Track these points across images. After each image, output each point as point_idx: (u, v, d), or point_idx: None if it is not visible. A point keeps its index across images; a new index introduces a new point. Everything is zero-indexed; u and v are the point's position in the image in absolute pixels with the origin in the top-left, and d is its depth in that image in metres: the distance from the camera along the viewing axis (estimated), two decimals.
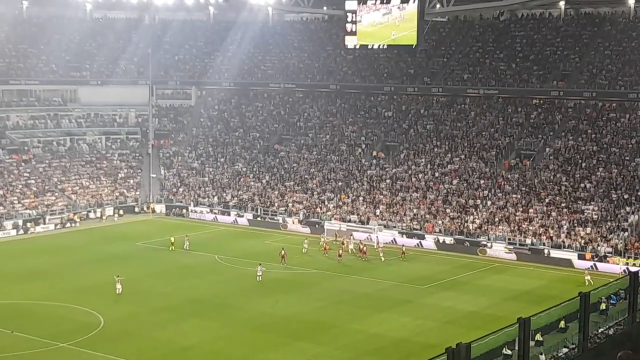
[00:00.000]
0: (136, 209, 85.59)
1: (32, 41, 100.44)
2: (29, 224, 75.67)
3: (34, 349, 41.39)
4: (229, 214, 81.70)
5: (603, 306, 43.89)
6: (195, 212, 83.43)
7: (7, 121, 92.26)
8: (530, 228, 68.74)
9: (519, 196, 73.05)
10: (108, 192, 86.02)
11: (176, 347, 41.99)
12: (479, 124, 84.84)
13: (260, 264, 58.69)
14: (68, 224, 78.03)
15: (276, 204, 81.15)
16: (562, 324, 40.97)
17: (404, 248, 66.70)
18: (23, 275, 57.71)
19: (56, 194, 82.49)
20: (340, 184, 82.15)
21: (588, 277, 56.35)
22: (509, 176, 76.30)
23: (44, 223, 76.91)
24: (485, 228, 70.25)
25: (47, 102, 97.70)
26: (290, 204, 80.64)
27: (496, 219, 70.92)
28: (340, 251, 64.73)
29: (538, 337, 42.62)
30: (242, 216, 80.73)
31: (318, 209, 78.62)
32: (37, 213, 77.95)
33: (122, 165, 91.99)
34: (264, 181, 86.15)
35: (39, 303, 50.12)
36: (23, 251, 67.04)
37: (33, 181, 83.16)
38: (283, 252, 62.67)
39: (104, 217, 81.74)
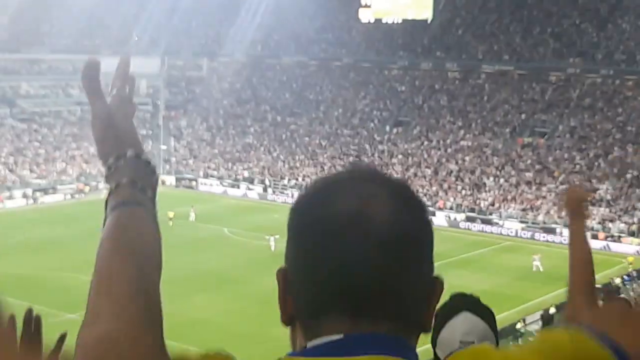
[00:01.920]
0: None
1: (43, 9, 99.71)
2: (38, 194, 75.48)
3: (43, 319, 41.17)
4: (238, 187, 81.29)
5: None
6: (205, 184, 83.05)
7: (18, 90, 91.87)
8: (543, 206, 68.16)
9: (532, 174, 72.40)
10: None
11: (186, 320, 41.70)
12: (494, 100, 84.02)
13: (272, 235, 58.12)
14: (77, 195, 77.82)
15: (287, 178, 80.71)
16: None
17: None
18: (32, 245, 57.49)
19: (66, 162, 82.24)
20: (351, 158, 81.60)
21: (537, 262, 54.64)
22: (523, 153, 75.59)
23: (54, 193, 76.68)
24: (498, 205, 69.69)
25: (59, 71, 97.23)
26: (300, 178, 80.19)
27: (509, 197, 70.33)
28: None
29: (552, 310, 42.43)
30: (252, 189, 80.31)
31: None
32: (47, 182, 77.72)
33: None
34: (274, 154, 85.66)
35: (48, 273, 49.95)
36: (32, 221, 66.79)
37: (44, 151, 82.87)
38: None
39: None
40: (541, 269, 54.28)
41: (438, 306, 1.75)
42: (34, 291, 46.11)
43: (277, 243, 57.17)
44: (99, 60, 2.20)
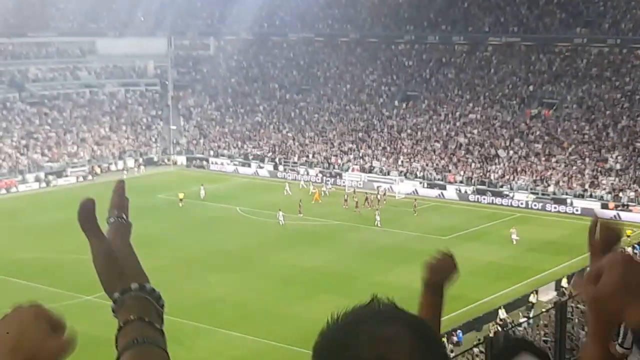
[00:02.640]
0: (156, 160, 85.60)
1: None
2: (50, 177, 75.95)
3: (59, 301, 41.66)
4: (249, 166, 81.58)
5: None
6: (216, 163, 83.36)
7: (27, 74, 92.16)
8: (553, 177, 68.27)
9: (541, 145, 72.45)
10: (129, 144, 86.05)
11: (202, 299, 42.18)
12: (501, 73, 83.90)
13: (280, 210, 59.91)
14: (89, 177, 78.27)
15: (296, 155, 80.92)
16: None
17: (415, 202, 64.63)
18: (46, 228, 57.87)
19: (77, 144, 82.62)
20: (360, 134, 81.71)
21: (514, 236, 54.58)
22: (532, 125, 75.61)
23: (66, 176, 77.15)
24: (508, 177, 69.82)
25: (66, 54, 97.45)
26: (310, 155, 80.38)
27: (518, 169, 70.45)
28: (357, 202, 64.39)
29: (564, 282, 42.75)
30: (263, 167, 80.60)
31: (339, 160, 78.35)
32: (59, 165, 78.18)
33: (142, 117, 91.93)
34: (284, 132, 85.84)
35: (63, 256, 50.34)
36: (45, 204, 67.28)
37: (54, 134, 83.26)
38: (300, 202, 62.55)
39: (133, 169, 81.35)
40: (514, 242, 54.17)
41: (495, 351, 1.93)
42: (50, 274, 46.66)
43: (285, 218, 58.61)
44: (93, 200, 2.28)
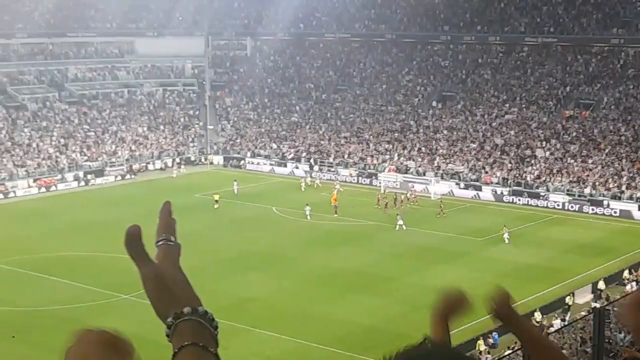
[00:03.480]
0: (193, 159, 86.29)
1: None
2: (89, 176, 76.91)
3: (96, 300, 42.34)
4: (285, 165, 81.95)
5: None
6: (252, 163, 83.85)
7: (66, 73, 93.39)
8: (590, 179, 67.85)
9: (577, 146, 72.03)
10: (166, 143, 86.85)
11: (235, 299, 42.52)
12: (537, 73, 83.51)
13: (307, 205, 61.20)
14: (128, 176, 79.16)
15: (332, 155, 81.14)
16: (625, 274, 40.79)
17: (442, 204, 63.86)
18: (85, 226, 58.67)
19: (116, 144, 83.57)
20: (396, 134, 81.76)
21: (506, 236, 54.42)
22: (568, 126, 75.18)
23: (104, 175, 78.08)
24: (544, 179, 69.50)
25: (105, 54, 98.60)
26: (346, 155, 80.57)
27: (554, 170, 70.09)
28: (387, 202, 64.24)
29: (601, 284, 42.53)
30: (299, 167, 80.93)
31: (374, 160, 78.46)
32: (97, 164, 79.15)
33: (179, 116, 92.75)
34: (320, 132, 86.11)
35: (101, 255, 51.00)
36: (84, 202, 68.17)
37: (93, 133, 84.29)
38: (336, 203, 62.72)
39: (173, 169, 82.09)
40: (506, 242, 54.29)
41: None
42: (87, 273, 47.32)
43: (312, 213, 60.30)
44: (139, 226, 2.30)
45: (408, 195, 66.86)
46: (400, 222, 57.79)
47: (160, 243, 2.35)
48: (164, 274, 2.27)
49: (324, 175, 76.29)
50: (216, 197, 65.14)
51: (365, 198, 67.68)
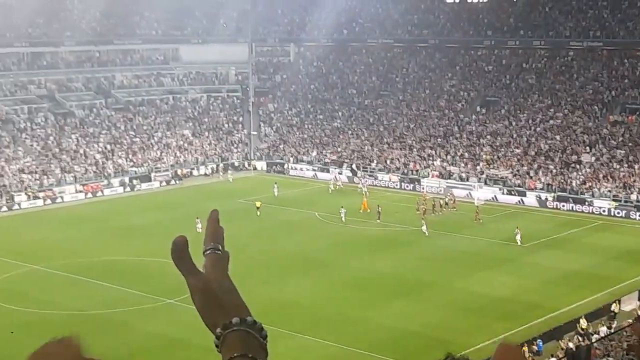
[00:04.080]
0: (237, 165, 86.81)
1: (134, 1, 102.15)
2: (135, 181, 77.82)
3: (141, 304, 42.87)
4: (328, 171, 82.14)
5: None
6: (295, 169, 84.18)
7: (113, 80, 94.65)
8: (637, 184, 67.05)
9: (624, 151, 71.23)
10: (210, 149, 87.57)
11: (276, 304, 42.75)
12: (582, 78, 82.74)
13: (342, 207, 62.65)
14: (172, 181, 79.98)
15: (375, 161, 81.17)
16: None
17: (477, 209, 63.36)
18: (131, 231, 59.45)
19: (161, 149, 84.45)
20: (439, 140, 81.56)
21: (519, 237, 54.77)
22: (614, 131, 74.40)
23: (150, 180, 78.98)
24: (589, 184, 68.83)
25: (150, 61, 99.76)
26: (388, 161, 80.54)
27: (600, 175, 69.39)
28: (424, 208, 63.90)
29: None
30: (342, 173, 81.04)
31: (417, 166, 78.35)
32: (143, 170, 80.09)
33: (223, 122, 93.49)
34: (362, 138, 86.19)
35: (146, 259, 51.63)
36: (130, 208, 69.00)
37: (138, 139, 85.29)
38: (379, 209, 62.76)
39: (220, 174, 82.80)
40: (519, 243, 54.61)
41: None
42: (133, 277, 47.91)
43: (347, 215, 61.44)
44: (185, 237, 2.31)
45: (446, 200, 66.79)
46: (424, 228, 57.82)
47: (208, 252, 2.35)
48: (212, 284, 2.26)
49: (366, 181, 76.35)
50: (258, 204, 65.33)
51: (406, 204, 67.58)
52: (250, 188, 76.71)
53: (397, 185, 76.60)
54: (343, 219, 61.83)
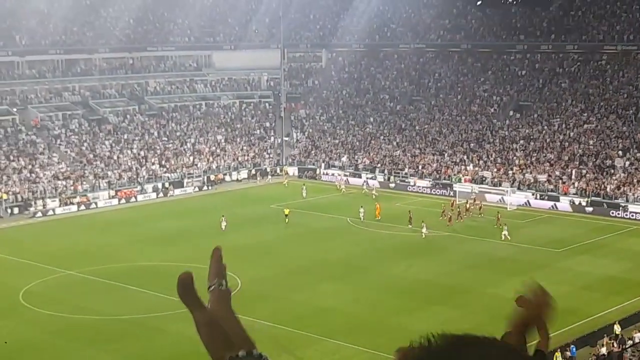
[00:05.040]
0: (269, 170, 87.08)
1: (167, 7, 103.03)
2: (168, 187, 78.32)
3: (175, 309, 43.07)
4: (360, 176, 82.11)
5: None
6: (327, 174, 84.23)
7: (147, 87, 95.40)
8: None
9: None
10: (243, 154, 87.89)
11: (311, 309, 42.88)
12: (616, 82, 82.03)
13: (362, 206, 64.87)
14: (205, 187, 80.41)
15: (407, 166, 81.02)
16: None
17: (499, 215, 62.72)
18: (163, 237, 59.76)
19: (194, 155, 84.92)
20: (471, 145, 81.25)
21: (505, 232, 57.25)
22: None
23: (183, 186, 79.46)
24: (624, 189, 68.20)
25: (183, 68, 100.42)
26: (420, 166, 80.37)
27: (635, 180, 68.73)
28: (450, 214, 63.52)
29: None
30: (374, 179, 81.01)
31: (449, 171, 78.11)
32: (176, 176, 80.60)
33: (255, 128, 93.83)
34: (394, 143, 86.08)
35: (179, 265, 51.89)
36: (163, 213, 69.42)
37: (171, 145, 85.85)
38: (410, 214, 62.51)
39: (257, 179, 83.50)
40: (509, 238, 56.76)
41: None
42: (166, 282, 48.00)
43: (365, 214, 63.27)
44: (191, 274, 2.39)
45: (467, 205, 66.43)
46: (424, 230, 58.47)
47: (212, 288, 2.43)
48: (218, 318, 2.33)
49: (373, 184, 78.33)
50: (286, 211, 65.18)
51: (438, 209, 67.35)
52: (282, 194, 76.86)
53: (428, 190, 76.44)
54: (362, 219, 63.52)
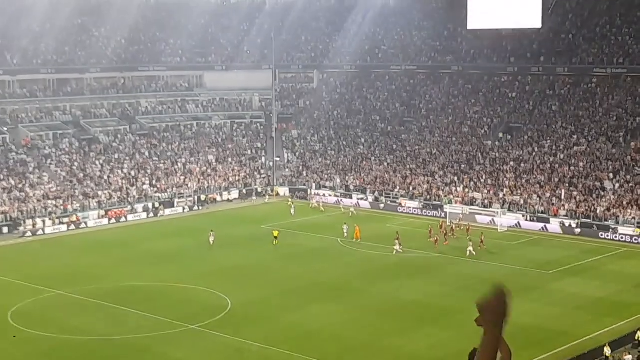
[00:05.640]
0: (260, 191, 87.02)
1: (159, 28, 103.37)
2: (158, 207, 78.12)
3: (164, 330, 42.93)
4: (351, 197, 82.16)
5: None
6: (318, 195, 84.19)
7: (138, 107, 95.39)
8: None
9: None
10: (234, 174, 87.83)
11: (302, 330, 42.76)
12: (606, 104, 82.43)
13: (345, 223, 66.38)
14: (196, 207, 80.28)
15: (398, 187, 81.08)
16: None
17: (482, 237, 62.29)
18: (154, 257, 59.64)
19: (184, 175, 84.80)
20: (462, 166, 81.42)
21: (397, 247, 59.44)
22: (638, 158, 73.96)
23: (173, 206, 79.30)
24: (614, 211, 68.39)
25: (175, 88, 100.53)
26: (411, 187, 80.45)
27: (625, 202, 68.94)
28: (437, 237, 63.23)
29: None
30: (365, 199, 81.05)
31: (440, 192, 78.20)
32: (166, 196, 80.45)
33: (246, 148, 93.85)
34: (385, 164, 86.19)
35: (169, 285, 51.83)
36: (154, 233, 69.30)
37: (162, 165, 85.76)
38: (397, 235, 62.39)
39: (254, 198, 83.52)
40: (474, 254, 58.68)
41: None
42: (156, 302, 48.04)
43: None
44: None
45: (453, 226, 66.81)
46: (397, 247, 60.08)
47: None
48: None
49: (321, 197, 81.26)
50: (275, 233, 65.02)
51: (434, 230, 67.39)
52: (273, 214, 76.84)
53: (419, 211, 76.54)
54: (345, 235, 64.96)
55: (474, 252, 58.62)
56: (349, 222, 68.42)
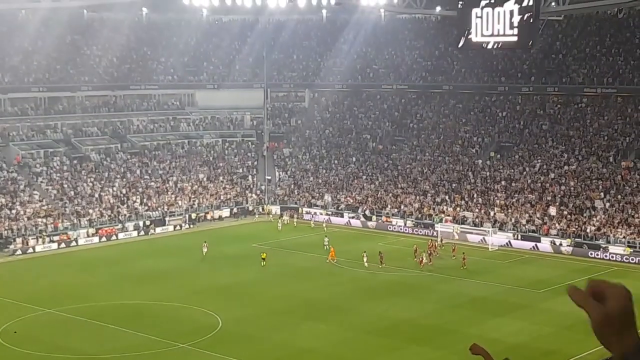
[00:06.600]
0: (251, 209, 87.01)
1: (151, 46, 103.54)
2: (149, 225, 77.94)
3: (154, 349, 42.79)
4: (342, 216, 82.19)
5: None
6: (309, 213, 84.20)
7: (130, 125, 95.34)
8: None
9: (639, 198, 71.01)
10: (225, 193, 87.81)
11: (292, 350, 42.65)
12: (597, 124, 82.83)
13: (326, 236, 68.71)
14: (187, 226, 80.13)
15: (389, 206, 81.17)
16: None
17: (464, 256, 62.46)
18: (144, 276, 59.50)
19: (175, 194, 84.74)
20: (453, 185, 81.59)
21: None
22: (629, 177, 74.27)
23: (164, 225, 79.13)
24: (604, 230, 68.57)
25: (166, 106, 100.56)
26: (402, 206, 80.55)
27: (615, 221, 69.14)
28: (423, 256, 63.15)
29: None
30: (355, 218, 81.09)
31: (431, 211, 78.31)
32: (157, 214, 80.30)
33: (238, 167, 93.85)
34: (376, 183, 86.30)
35: (159, 304, 51.68)
36: (144, 252, 69.11)
37: (153, 184, 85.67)
38: (381, 254, 62.54)
39: (229, 218, 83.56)
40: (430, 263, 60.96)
41: None
42: (146, 321, 47.88)
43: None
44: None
45: (436, 245, 67.10)
46: (365, 260, 61.82)
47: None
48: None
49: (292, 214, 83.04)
50: (263, 255, 64.56)
51: (419, 249, 67.42)
52: (263, 232, 76.78)
53: (410, 230, 76.61)
54: (326, 247, 67.01)
55: (429, 263, 61.41)
56: (330, 236, 70.23)
